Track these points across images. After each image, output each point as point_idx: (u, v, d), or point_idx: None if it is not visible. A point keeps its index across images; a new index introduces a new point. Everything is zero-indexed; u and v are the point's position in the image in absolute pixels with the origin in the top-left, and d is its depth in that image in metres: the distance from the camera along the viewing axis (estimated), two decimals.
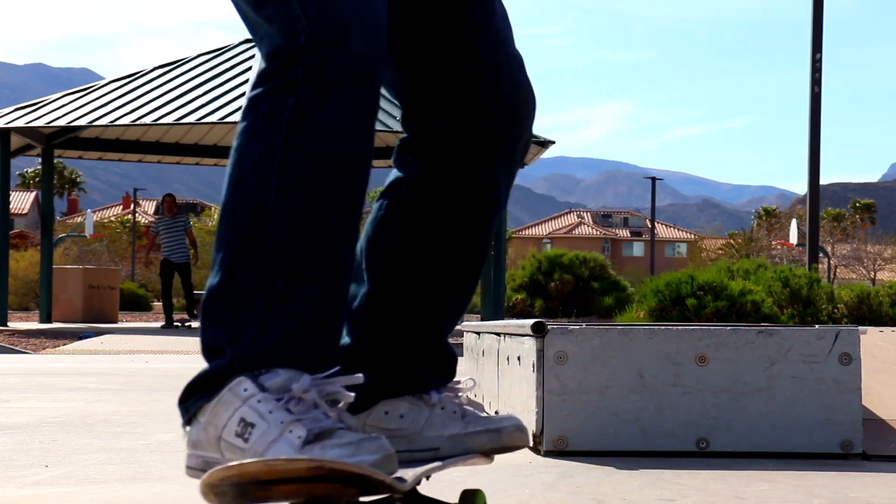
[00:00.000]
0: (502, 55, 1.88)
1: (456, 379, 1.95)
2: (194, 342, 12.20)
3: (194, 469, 1.62)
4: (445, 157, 1.88)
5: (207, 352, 1.64)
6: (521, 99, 1.88)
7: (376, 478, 1.48)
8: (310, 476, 1.47)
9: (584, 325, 2.92)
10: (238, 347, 1.60)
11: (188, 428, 1.64)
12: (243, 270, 1.62)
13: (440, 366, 1.93)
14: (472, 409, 1.89)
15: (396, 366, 1.91)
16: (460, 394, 1.92)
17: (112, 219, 71.29)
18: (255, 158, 1.61)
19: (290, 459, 1.46)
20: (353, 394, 1.60)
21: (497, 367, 3.61)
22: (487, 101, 1.86)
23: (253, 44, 17.97)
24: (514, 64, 1.89)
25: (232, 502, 1.50)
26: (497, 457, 2.50)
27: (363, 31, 1.60)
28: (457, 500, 1.81)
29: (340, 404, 1.59)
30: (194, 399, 1.63)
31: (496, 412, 3.65)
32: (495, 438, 1.83)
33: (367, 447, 1.50)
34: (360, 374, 1.63)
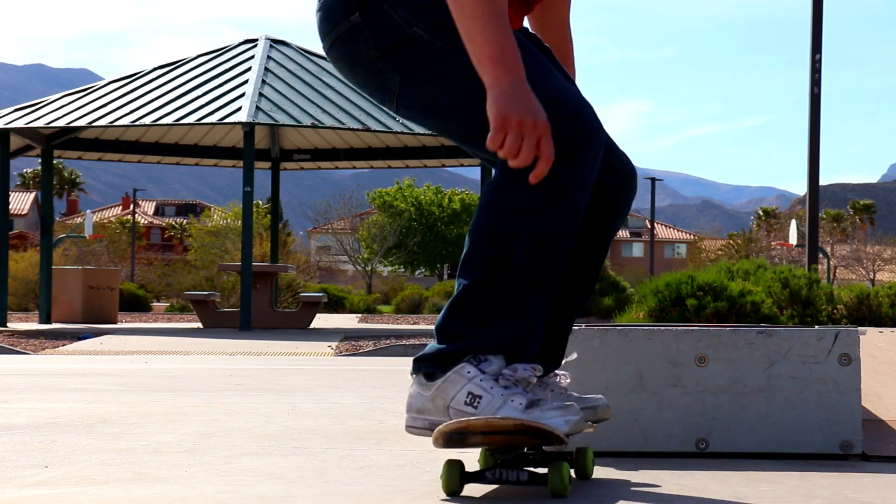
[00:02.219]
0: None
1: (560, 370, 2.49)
2: (193, 343, 12.21)
3: (419, 429, 2.27)
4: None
5: (444, 334, 2.24)
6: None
7: (558, 434, 2.13)
8: (514, 430, 2.13)
9: (583, 326, 2.92)
10: (483, 336, 2.21)
11: (413, 392, 2.27)
12: (493, 284, 2.21)
13: (556, 357, 2.47)
14: (570, 392, 2.44)
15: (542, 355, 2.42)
16: (563, 381, 2.43)
17: (111, 219, 71.13)
18: (515, 209, 2.22)
19: (517, 420, 2.13)
20: (536, 377, 2.23)
21: None
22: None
23: (252, 44, 17.99)
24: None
25: (455, 446, 2.19)
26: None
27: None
28: (573, 453, 2.48)
29: (531, 384, 2.24)
30: (425, 366, 2.25)
31: None
32: (593, 414, 2.45)
33: (570, 411, 2.16)
34: (540, 365, 2.27)
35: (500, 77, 2.09)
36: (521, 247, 2.22)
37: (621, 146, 2.56)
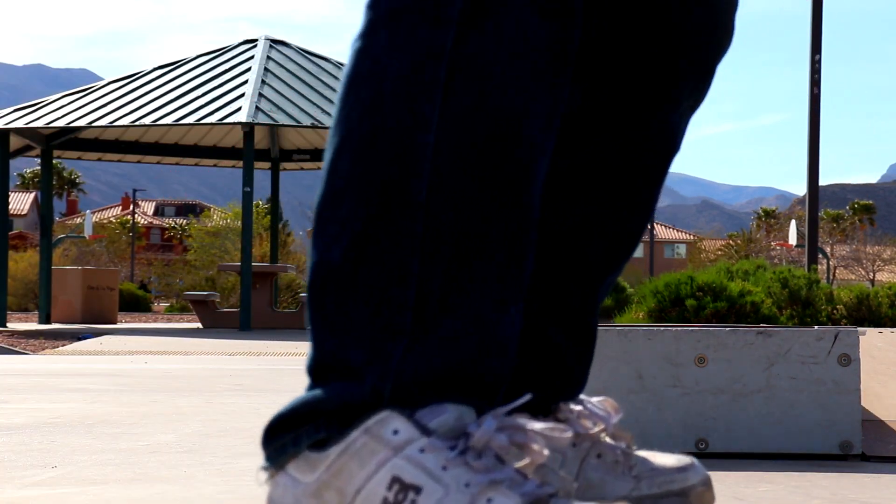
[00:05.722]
0: None
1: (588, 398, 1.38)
2: (193, 343, 12.21)
3: None
4: None
5: (322, 368, 1.11)
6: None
7: None
8: None
9: None
10: (388, 365, 1.07)
11: (269, 484, 1.12)
12: (386, 247, 1.06)
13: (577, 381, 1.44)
14: (629, 450, 1.38)
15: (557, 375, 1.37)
16: (606, 428, 1.37)
17: (111, 220, 71.24)
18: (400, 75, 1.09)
19: None
20: (545, 449, 1.07)
21: None
22: None
23: (252, 44, 17.98)
24: None
25: None
26: None
27: None
28: None
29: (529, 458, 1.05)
30: (291, 441, 1.09)
31: None
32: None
33: None
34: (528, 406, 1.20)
35: None
36: (429, 155, 1.07)
37: None
